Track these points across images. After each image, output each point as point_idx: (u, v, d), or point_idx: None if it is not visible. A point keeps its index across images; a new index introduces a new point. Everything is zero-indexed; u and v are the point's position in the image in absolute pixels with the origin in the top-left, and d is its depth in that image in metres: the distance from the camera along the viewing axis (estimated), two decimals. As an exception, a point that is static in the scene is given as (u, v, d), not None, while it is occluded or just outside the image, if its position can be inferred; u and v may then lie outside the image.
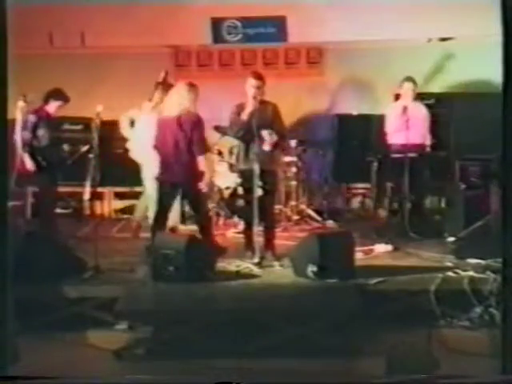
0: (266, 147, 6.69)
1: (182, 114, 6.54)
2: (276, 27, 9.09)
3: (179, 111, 6.54)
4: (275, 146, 6.81)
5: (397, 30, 8.73)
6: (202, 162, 6.57)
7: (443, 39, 9.21)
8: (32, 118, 7.36)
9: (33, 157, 7.32)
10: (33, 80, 7.72)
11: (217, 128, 8.65)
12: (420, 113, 8.11)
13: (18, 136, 7.31)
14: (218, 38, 9.22)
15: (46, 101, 7.45)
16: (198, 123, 6.57)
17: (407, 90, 8.01)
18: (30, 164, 7.28)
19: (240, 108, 6.80)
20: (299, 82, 9.74)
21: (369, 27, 8.71)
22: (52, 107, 7.49)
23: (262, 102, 6.79)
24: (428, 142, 8.07)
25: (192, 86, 6.65)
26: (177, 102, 6.60)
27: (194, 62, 10.01)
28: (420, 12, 8.51)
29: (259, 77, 6.80)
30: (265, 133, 6.67)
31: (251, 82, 6.74)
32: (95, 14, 8.73)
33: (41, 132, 7.40)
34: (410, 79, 8.03)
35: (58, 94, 7.52)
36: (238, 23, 9.20)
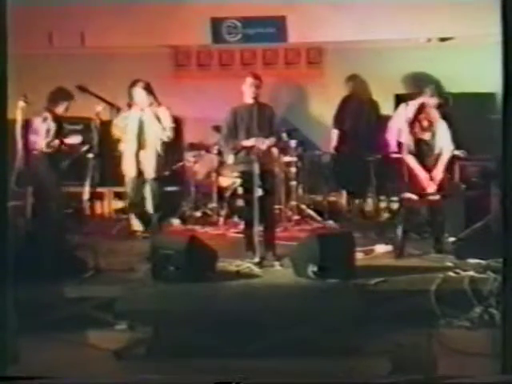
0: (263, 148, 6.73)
1: None
2: (276, 27, 9.08)
3: None
4: (273, 147, 6.92)
5: (397, 30, 8.73)
6: None
7: (443, 39, 9.21)
8: (53, 126, 7.55)
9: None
10: (33, 80, 7.71)
11: (217, 128, 8.64)
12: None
13: (44, 145, 7.53)
14: (217, 38, 9.22)
15: (55, 103, 7.51)
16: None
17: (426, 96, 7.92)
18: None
19: (235, 111, 6.86)
20: (299, 82, 9.75)
21: (369, 27, 8.71)
22: (61, 108, 7.56)
23: (260, 104, 6.86)
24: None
25: None
26: None
27: (193, 62, 10.01)
28: (420, 12, 8.50)
29: (257, 76, 6.89)
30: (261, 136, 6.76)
31: (249, 81, 6.81)
32: (95, 14, 8.72)
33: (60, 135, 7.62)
34: (434, 87, 7.91)
35: (64, 94, 7.60)
36: (238, 23, 9.19)
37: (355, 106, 9.04)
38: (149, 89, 7.44)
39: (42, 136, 7.54)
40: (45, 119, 7.52)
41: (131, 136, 7.37)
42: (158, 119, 7.30)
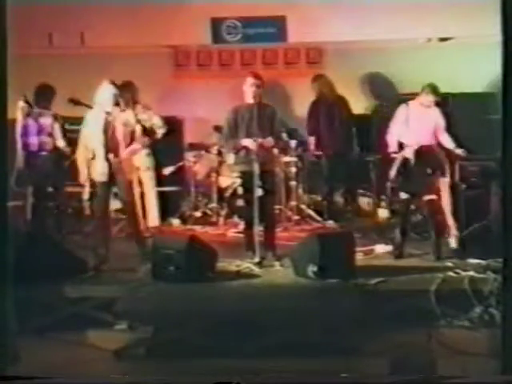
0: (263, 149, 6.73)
1: None
2: (276, 27, 9.08)
3: None
4: (273, 147, 6.93)
5: (397, 30, 8.72)
6: None
7: (443, 39, 9.21)
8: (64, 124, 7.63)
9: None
10: (33, 80, 7.71)
11: (217, 128, 8.65)
12: (428, 115, 8.06)
13: (63, 144, 7.59)
14: (217, 37, 9.21)
15: (50, 101, 7.53)
16: None
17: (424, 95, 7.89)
18: None
19: (236, 110, 6.86)
20: (299, 82, 9.75)
21: (369, 27, 8.71)
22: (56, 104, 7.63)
23: (261, 104, 6.85)
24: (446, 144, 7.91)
25: None
26: None
27: (193, 62, 10.01)
28: (420, 12, 8.50)
29: (258, 76, 6.88)
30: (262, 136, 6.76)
31: (250, 81, 6.79)
32: (95, 14, 8.71)
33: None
34: (430, 86, 7.86)
35: (51, 89, 7.64)
36: (238, 23, 9.19)
37: (325, 107, 8.92)
38: (128, 87, 7.14)
39: (55, 136, 7.51)
40: (55, 118, 7.50)
41: (99, 137, 6.68)
42: (137, 119, 6.72)
